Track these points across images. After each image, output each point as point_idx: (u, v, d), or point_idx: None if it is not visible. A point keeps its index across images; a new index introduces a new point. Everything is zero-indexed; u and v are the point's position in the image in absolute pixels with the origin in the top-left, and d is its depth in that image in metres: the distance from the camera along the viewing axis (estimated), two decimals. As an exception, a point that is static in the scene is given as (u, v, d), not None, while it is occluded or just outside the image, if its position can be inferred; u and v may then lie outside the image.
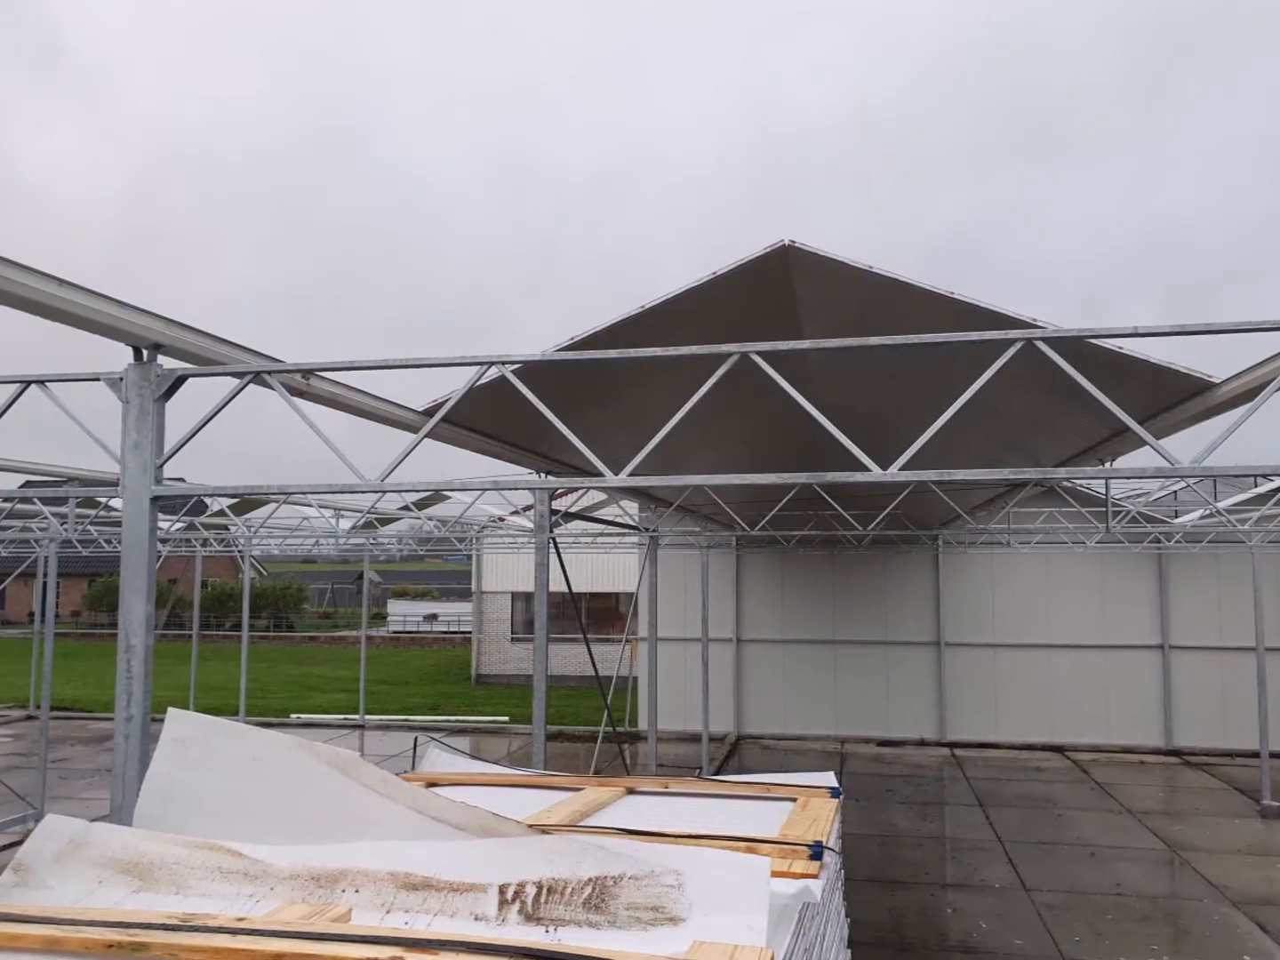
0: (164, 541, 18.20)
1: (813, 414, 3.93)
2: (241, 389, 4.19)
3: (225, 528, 17.82)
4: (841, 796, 4.53)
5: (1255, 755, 15.12)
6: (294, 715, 21.70)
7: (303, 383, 4.62)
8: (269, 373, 4.19)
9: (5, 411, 4.14)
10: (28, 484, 17.55)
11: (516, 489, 8.79)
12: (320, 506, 14.52)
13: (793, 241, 5.84)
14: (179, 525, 16.96)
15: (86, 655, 37.27)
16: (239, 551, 20.29)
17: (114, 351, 4.03)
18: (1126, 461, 7.60)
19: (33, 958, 2.37)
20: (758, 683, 18.97)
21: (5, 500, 12.49)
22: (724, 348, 3.89)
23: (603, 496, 17.80)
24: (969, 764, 16.37)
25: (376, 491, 4.15)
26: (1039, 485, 11.89)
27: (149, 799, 3.24)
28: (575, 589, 11.25)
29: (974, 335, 3.79)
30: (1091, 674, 17.82)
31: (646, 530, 14.02)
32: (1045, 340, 3.72)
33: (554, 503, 9.85)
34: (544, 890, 2.63)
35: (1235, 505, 13.57)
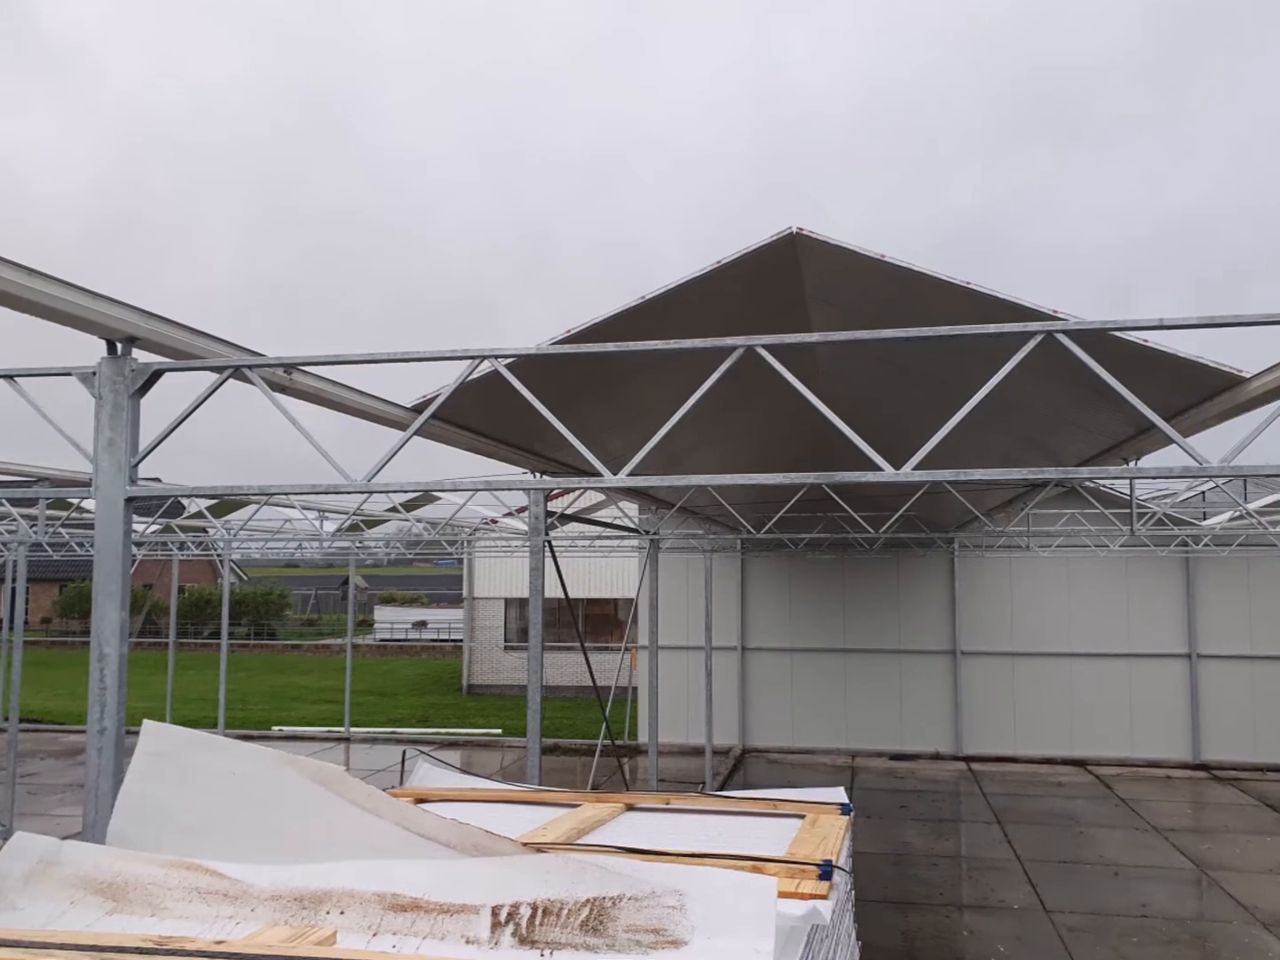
0: (139, 545, 18.20)
1: (822, 410, 3.93)
2: (220, 384, 4.19)
3: (203, 530, 17.83)
4: (852, 813, 4.53)
5: (1287, 770, 15.15)
6: (276, 728, 21.71)
7: (285, 377, 4.62)
8: (249, 367, 4.19)
9: (-28, 408, 4.14)
10: (-4, 484, 17.55)
11: (510, 489, 8.80)
12: (303, 508, 14.53)
13: (800, 229, 5.85)
14: (155, 527, 16.95)
15: (57, 664, 37.29)
16: (218, 555, 20.29)
17: (86, 345, 4.03)
18: (1152, 461, 7.60)
19: (1, 983, 2.37)
20: (764, 693, 18.97)
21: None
22: (728, 341, 3.89)
23: (601, 498, 17.81)
24: (986, 779, 16.38)
25: (363, 492, 4.15)
26: (1060, 485, 11.90)
27: (123, 816, 3.24)
28: (572, 595, 11.26)
29: (992, 327, 3.79)
30: (1115, 684, 17.82)
31: (647, 533, 14.02)
32: (1066, 333, 3.72)
33: (550, 504, 9.84)
34: (539, 911, 2.62)
35: (1266, 506, 13.58)
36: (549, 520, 8.97)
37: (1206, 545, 16.31)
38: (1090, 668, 17.92)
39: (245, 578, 58.22)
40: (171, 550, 19.36)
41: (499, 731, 21.07)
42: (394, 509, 15.09)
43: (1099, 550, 16.91)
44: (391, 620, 51.08)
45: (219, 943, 2.51)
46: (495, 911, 2.64)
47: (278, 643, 48.57)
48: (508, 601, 28.82)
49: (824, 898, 3.12)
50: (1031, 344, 3.72)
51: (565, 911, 2.61)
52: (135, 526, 14.37)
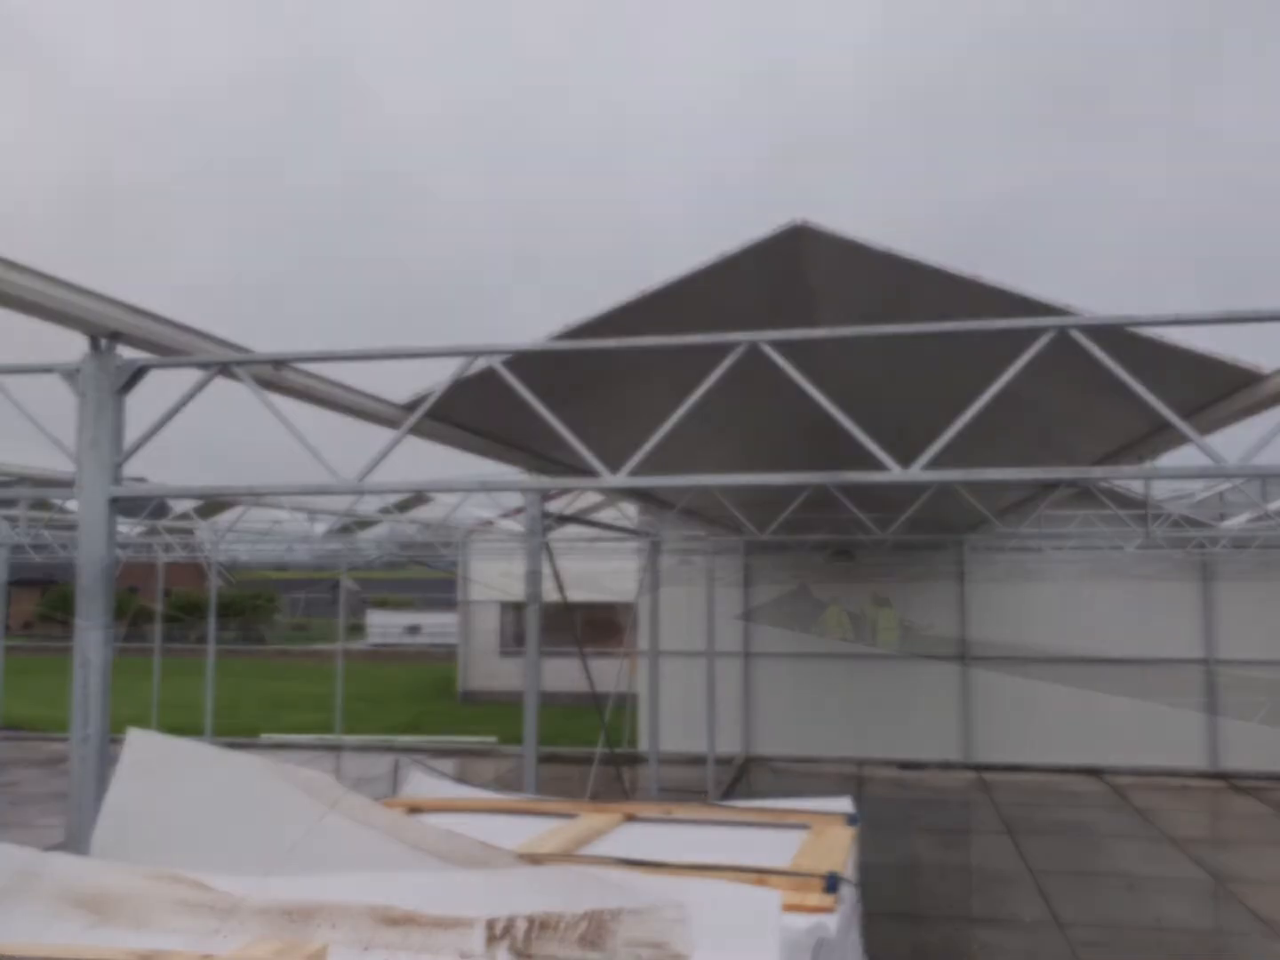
0: (123, 547, 18.21)
1: (828, 409, 3.93)
2: (208, 381, 4.20)
3: (190, 532, 17.84)
4: (859, 823, 4.53)
5: (1308, 779, 15.14)
6: (265, 735, 21.71)
7: (274, 374, 4.63)
8: (237, 363, 4.19)
9: (-49, 406, 4.14)
10: (-24, 484, 17.54)
11: (506, 490, 8.80)
12: (293, 509, 14.54)
13: (805, 221, 5.84)
14: (140, 529, 16.96)
15: (39, 670, 37.23)
16: (205, 557, 20.30)
17: (69, 340, 4.03)
18: (1168, 460, 7.59)
19: (-19, 999, 2.37)
20: (768, 700, 18.97)
21: (-49, 502, 12.50)
22: (732, 336, 3.89)
23: (600, 498, 17.81)
24: (997, 788, 16.37)
25: (354, 493, 4.15)
26: (1073, 486, 11.89)
27: (107, 826, 3.24)
28: (570, 598, 11.26)
29: (1003, 323, 3.80)
30: (1130, 690, 17.81)
31: (647, 535, 14.03)
32: (1080, 328, 3.72)
33: (547, 505, 9.84)
34: (536, 925, 2.62)
35: (1286, 507, 13.55)
36: (546, 522, 8.97)
37: (1224, 547, 16.30)
38: (1105, 673, 17.90)
39: (233, 581, 58.20)
40: (157, 552, 19.37)
41: (494, 739, 21.07)
42: (386, 510, 15.10)
43: (1114, 552, 16.90)
44: (384, 625, 51.06)
45: (206, 957, 2.51)
46: (490, 925, 2.64)
47: (267, 648, 48.61)
48: (503, 605, 28.78)
49: (830, 911, 3.12)
50: (1044, 340, 3.72)
51: (563, 925, 2.61)
52: (120, 528, 14.35)
